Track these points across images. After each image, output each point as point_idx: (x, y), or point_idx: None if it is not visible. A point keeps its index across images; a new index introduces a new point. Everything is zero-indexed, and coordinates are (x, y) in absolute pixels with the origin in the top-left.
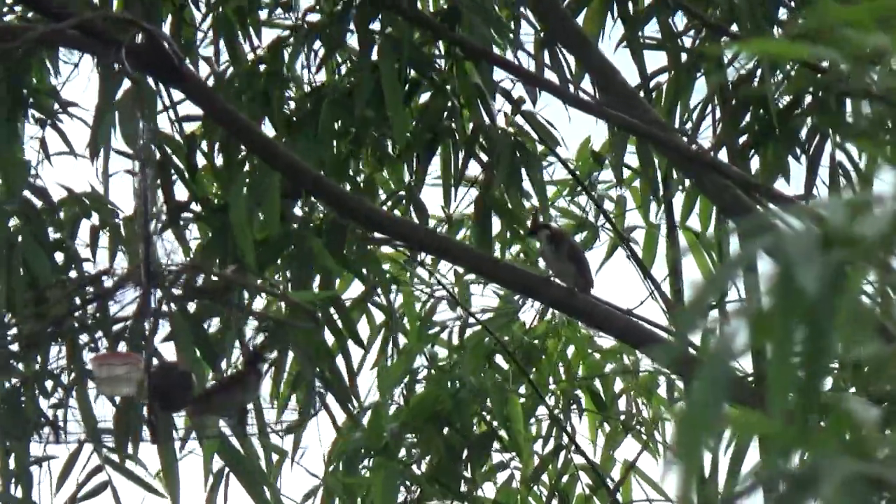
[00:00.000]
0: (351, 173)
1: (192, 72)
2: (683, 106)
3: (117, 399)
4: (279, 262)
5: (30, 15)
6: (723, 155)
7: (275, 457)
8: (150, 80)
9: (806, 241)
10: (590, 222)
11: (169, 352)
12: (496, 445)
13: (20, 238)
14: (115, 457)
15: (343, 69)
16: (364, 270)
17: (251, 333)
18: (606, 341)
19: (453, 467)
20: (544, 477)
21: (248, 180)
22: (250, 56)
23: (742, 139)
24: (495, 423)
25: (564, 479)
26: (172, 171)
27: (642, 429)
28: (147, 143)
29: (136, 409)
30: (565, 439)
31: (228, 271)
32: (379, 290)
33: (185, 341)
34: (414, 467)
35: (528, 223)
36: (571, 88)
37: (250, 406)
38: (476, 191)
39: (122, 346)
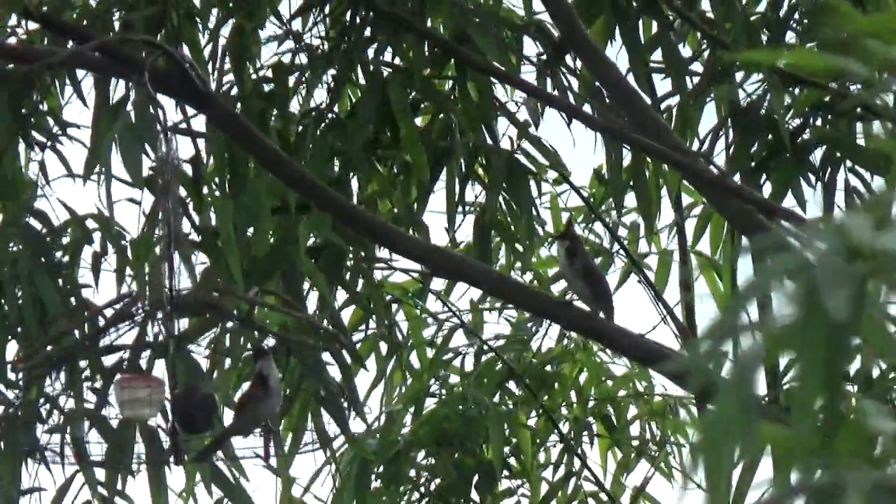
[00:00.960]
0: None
1: (213, 94)
2: (692, 131)
3: (139, 421)
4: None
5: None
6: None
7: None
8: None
9: (832, 258)
10: (605, 248)
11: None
12: (505, 472)
13: (21, 263)
14: (104, 492)
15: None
16: (359, 292)
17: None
18: (620, 368)
19: (463, 490)
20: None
21: (237, 200)
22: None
23: (752, 163)
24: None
25: None
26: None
27: (655, 452)
28: (170, 165)
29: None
30: (576, 465)
31: (251, 294)
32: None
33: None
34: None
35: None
36: (588, 109)
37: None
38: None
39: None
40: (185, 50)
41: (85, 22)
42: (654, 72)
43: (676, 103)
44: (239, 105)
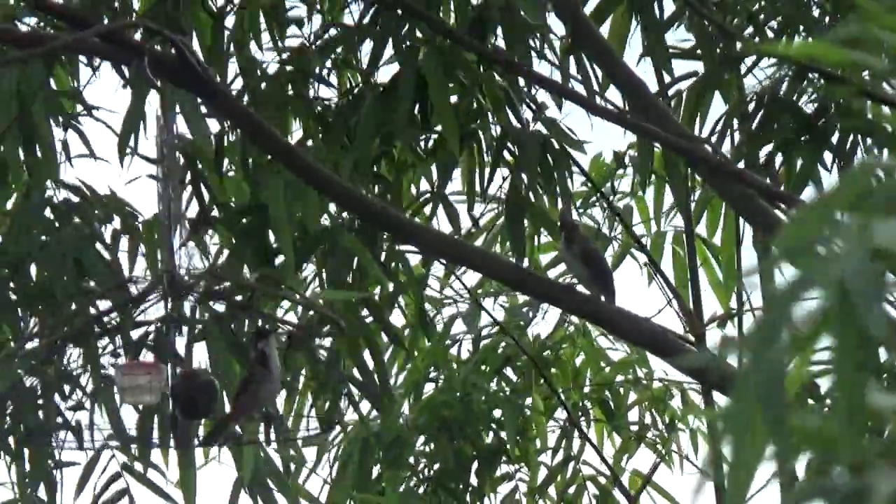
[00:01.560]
0: (379, 175)
1: (215, 80)
2: (703, 115)
3: (140, 407)
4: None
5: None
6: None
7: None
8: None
9: (863, 267)
10: (602, 233)
11: (201, 356)
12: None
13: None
14: (135, 464)
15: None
16: (394, 268)
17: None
18: (619, 353)
19: (461, 475)
20: (550, 489)
21: (287, 177)
22: (275, 59)
23: (767, 148)
24: (503, 434)
25: (571, 489)
26: (199, 177)
27: (657, 440)
28: (170, 150)
29: (161, 415)
30: (574, 450)
31: (251, 279)
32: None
33: (219, 347)
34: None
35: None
36: (596, 98)
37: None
38: (498, 206)
39: (146, 355)
40: (195, 36)
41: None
42: (672, 57)
43: (688, 87)
44: (263, 86)
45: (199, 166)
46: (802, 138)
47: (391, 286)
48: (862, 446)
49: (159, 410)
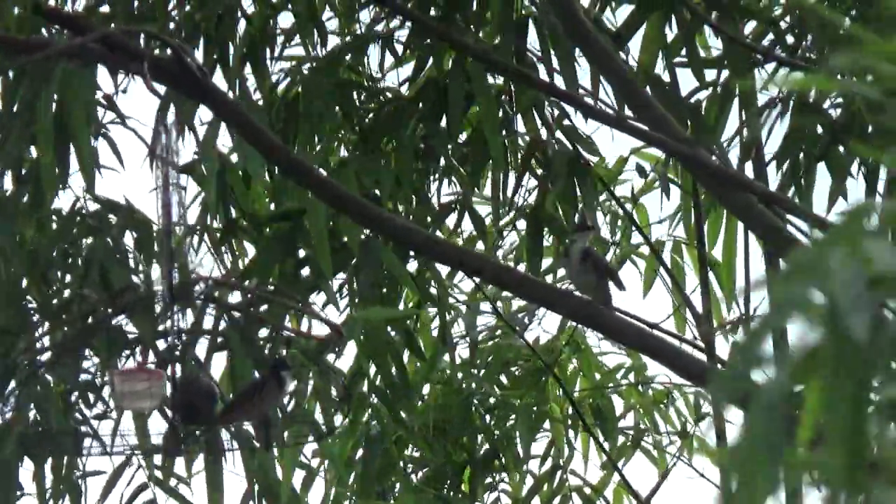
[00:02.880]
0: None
1: (215, 87)
2: (724, 121)
3: (138, 413)
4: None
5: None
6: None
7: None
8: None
9: (854, 288)
10: (604, 238)
11: (220, 365)
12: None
13: (89, 242)
14: (160, 474)
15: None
16: (425, 284)
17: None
18: (618, 358)
19: (454, 481)
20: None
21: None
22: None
23: (792, 159)
24: (497, 435)
25: (556, 501)
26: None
27: (654, 447)
28: (171, 157)
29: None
30: (562, 459)
31: (254, 289)
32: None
33: (238, 354)
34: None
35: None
36: (591, 101)
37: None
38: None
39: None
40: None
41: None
42: (678, 66)
43: (707, 96)
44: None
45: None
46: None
47: (426, 304)
48: (862, 474)
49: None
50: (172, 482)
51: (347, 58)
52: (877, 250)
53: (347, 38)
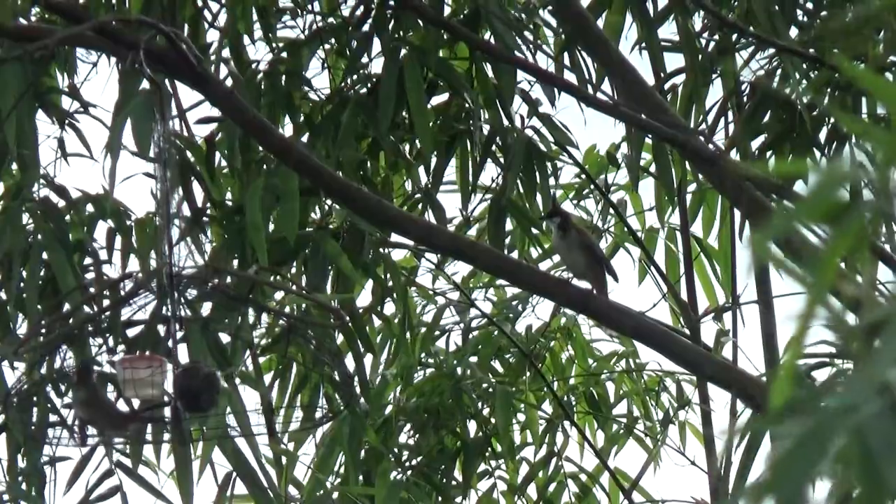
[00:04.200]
0: (366, 175)
1: (211, 74)
2: (699, 108)
3: (141, 400)
4: (295, 263)
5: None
6: (735, 155)
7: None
8: (167, 82)
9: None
10: (595, 225)
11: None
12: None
13: (38, 237)
14: (127, 461)
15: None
16: (381, 274)
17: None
18: (611, 346)
19: (446, 468)
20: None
21: (266, 181)
22: (267, 57)
23: (759, 140)
24: (492, 421)
25: (552, 487)
26: (191, 174)
27: (647, 433)
28: (166, 145)
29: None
30: (558, 445)
31: (251, 272)
32: (394, 295)
33: (198, 346)
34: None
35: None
36: (590, 90)
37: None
38: (490, 200)
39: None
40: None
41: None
42: (664, 50)
43: (682, 81)
44: (262, 81)
45: (193, 164)
46: (791, 132)
47: (377, 289)
48: None
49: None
50: (140, 469)
51: (325, 47)
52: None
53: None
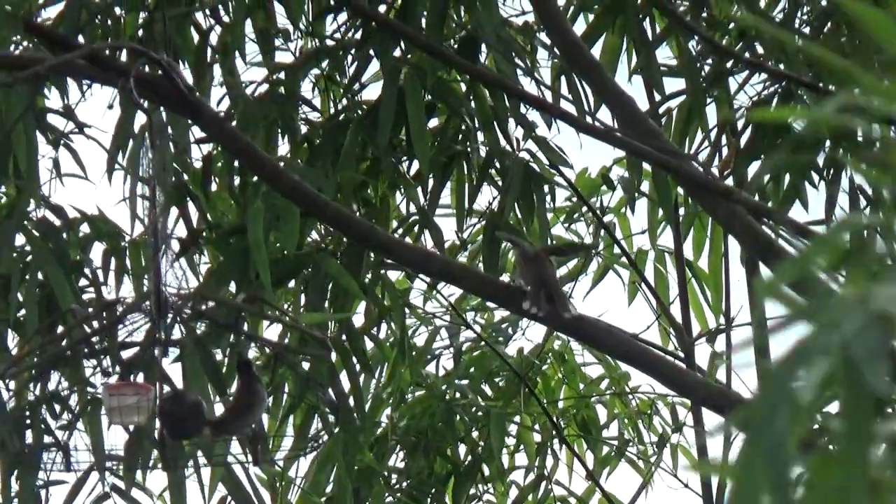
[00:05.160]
0: (364, 198)
1: (203, 102)
2: (693, 132)
3: (129, 428)
4: (294, 283)
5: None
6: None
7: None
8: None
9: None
10: (586, 246)
11: (177, 376)
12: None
13: (33, 257)
14: (122, 484)
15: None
16: (379, 295)
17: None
18: (601, 368)
19: (437, 493)
20: None
21: (267, 201)
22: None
23: (756, 165)
24: (482, 446)
25: None
26: (187, 196)
27: (639, 457)
28: (157, 172)
29: (147, 437)
30: (547, 469)
31: (238, 300)
32: (391, 315)
33: (194, 367)
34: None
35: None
36: (587, 115)
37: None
38: (486, 220)
39: (134, 376)
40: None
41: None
42: (663, 75)
43: (678, 105)
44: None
45: (189, 186)
46: (790, 156)
47: (374, 309)
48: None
49: (146, 431)
50: (135, 492)
51: (316, 70)
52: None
53: (313, 45)
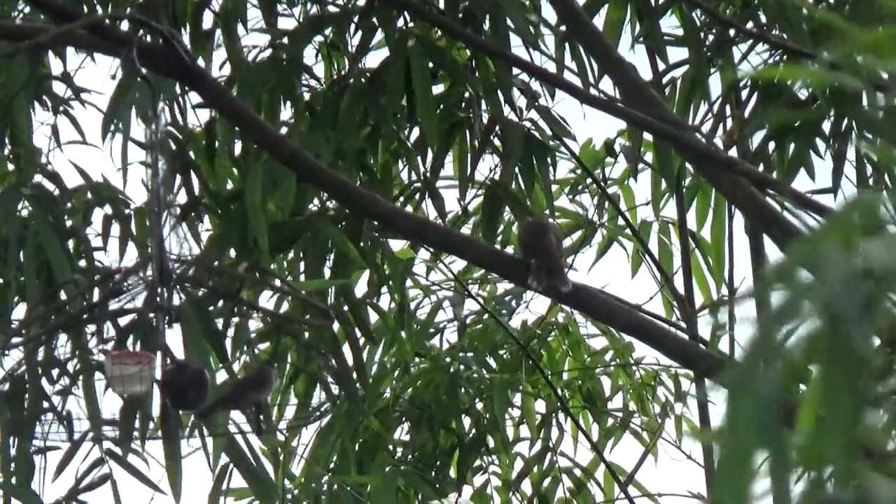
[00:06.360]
0: (365, 164)
1: (204, 71)
2: (697, 102)
3: (127, 397)
4: (293, 252)
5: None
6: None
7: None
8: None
9: (849, 285)
10: (590, 220)
11: (177, 342)
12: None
13: (32, 223)
14: (118, 450)
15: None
16: (378, 262)
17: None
18: (605, 340)
19: (441, 464)
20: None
21: (264, 166)
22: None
23: (760, 134)
24: (486, 418)
25: (547, 482)
26: (189, 164)
27: (643, 428)
28: (159, 139)
29: (146, 405)
30: (553, 440)
31: (239, 269)
32: (391, 283)
33: (195, 333)
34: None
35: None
36: (591, 85)
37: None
38: (486, 189)
39: (132, 344)
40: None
41: None
42: (667, 44)
43: (682, 74)
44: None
45: (190, 153)
46: (795, 124)
47: (374, 277)
48: (855, 463)
49: (145, 400)
50: (131, 458)
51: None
52: (873, 246)
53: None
